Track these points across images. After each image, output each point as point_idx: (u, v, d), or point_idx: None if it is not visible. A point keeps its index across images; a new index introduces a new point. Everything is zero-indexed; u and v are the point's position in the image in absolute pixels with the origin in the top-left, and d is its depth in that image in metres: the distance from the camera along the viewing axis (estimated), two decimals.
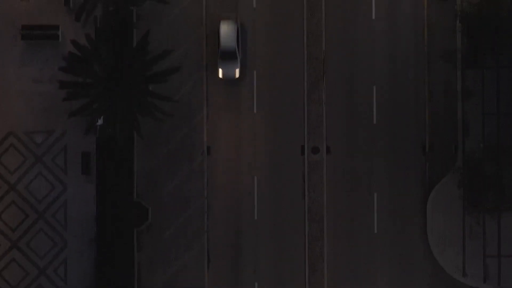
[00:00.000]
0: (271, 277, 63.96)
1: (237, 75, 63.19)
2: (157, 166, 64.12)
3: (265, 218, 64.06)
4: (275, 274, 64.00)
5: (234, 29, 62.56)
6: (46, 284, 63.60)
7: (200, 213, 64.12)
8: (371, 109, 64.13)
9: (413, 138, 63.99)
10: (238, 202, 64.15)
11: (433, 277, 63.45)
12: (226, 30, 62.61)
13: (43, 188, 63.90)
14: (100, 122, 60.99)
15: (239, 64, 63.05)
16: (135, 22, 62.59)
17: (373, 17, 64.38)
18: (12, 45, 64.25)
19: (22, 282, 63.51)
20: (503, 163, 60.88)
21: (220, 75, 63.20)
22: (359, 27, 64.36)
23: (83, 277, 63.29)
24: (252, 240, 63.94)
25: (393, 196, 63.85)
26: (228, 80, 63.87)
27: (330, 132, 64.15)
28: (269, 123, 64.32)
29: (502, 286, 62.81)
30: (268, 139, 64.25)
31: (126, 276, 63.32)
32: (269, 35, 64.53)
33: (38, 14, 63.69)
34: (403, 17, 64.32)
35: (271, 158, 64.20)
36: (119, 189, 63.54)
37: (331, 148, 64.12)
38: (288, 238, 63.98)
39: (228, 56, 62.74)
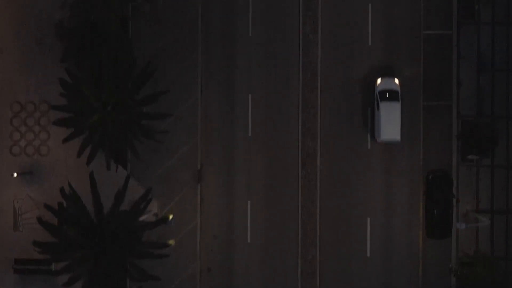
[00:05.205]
0: None
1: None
2: None
3: None
4: None
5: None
6: None
7: None
8: None
9: None
10: None
11: None
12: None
13: None
14: None
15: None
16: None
17: (368, 254, 64.18)
18: (4, 277, 63.83)
19: None
20: None
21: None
22: (354, 264, 64.21)
23: None
24: None
25: None
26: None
27: None
28: None
29: None
30: None
31: None
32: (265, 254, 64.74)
33: (31, 247, 63.09)
34: (398, 255, 64.12)
35: None
36: None
37: None
38: None
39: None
